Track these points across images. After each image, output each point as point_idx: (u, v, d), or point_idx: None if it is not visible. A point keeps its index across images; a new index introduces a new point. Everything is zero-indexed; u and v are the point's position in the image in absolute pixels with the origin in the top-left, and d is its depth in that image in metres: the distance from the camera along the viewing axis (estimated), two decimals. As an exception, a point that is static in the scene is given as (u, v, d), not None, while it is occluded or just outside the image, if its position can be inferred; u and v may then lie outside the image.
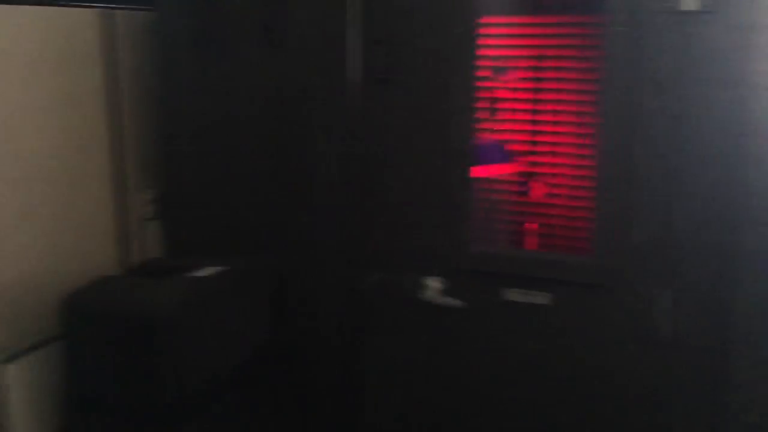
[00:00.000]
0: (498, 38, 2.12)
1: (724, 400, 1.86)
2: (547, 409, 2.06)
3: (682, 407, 1.91)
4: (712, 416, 1.89)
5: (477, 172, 2.08)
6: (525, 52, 2.15)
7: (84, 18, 2.14)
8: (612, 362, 1.96)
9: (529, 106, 2.16)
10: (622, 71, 1.82)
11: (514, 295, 2.04)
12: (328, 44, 2.06)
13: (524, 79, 2.15)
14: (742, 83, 1.74)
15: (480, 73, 2.03)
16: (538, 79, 2.13)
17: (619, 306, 1.93)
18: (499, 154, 2.19)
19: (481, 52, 2.00)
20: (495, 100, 2.15)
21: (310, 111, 2.11)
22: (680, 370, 1.90)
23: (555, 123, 2.12)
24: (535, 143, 2.16)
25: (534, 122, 2.16)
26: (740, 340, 1.83)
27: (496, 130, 2.18)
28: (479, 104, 2.03)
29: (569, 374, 2.01)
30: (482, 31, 2.00)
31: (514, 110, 2.16)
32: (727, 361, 1.85)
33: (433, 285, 2.09)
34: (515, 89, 2.15)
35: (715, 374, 1.87)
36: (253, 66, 2.16)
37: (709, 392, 1.88)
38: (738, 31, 1.72)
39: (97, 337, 1.84)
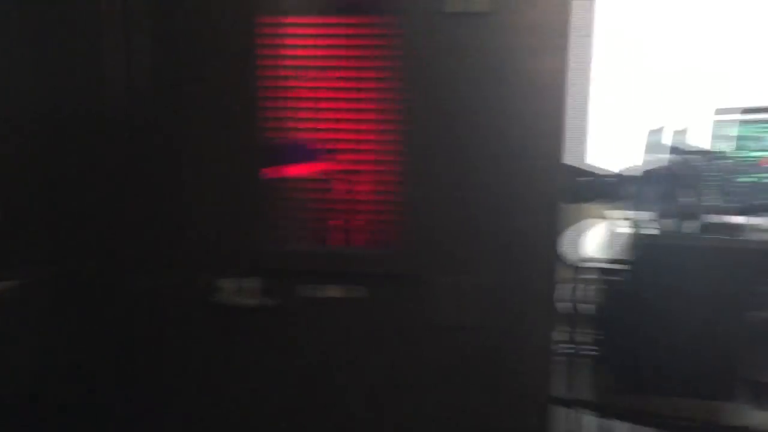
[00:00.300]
0: (300, 38, 2.13)
1: (517, 379, 2.03)
2: (357, 398, 2.12)
3: (477, 386, 2.05)
4: (503, 395, 2.04)
5: (280, 171, 2.08)
6: (327, 52, 2.17)
7: None
8: (414, 348, 2.06)
9: (331, 105, 2.19)
10: (414, 71, 1.93)
11: (316, 291, 2.08)
12: (105, 44, 1.99)
13: (327, 78, 2.18)
14: (518, 81, 1.90)
15: (281, 73, 2.03)
16: (341, 79, 2.18)
17: (420, 295, 2.03)
18: (303, 152, 2.21)
19: (283, 51, 2.01)
20: (298, 99, 2.16)
21: (91, 112, 2.03)
22: (476, 352, 2.03)
23: (357, 121, 2.17)
24: (337, 141, 2.20)
25: (337, 120, 2.20)
26: (522, 322, 1.99)
27: (300, 129, 2.19)
28: (278, 104, 2.05)
29: (372, 363, 2.09)
30: (284, 30, 2.01)
31: (317, 109, 2.19)
32: (517, 343, 2.00)
33: (233, 286, 2.07)
34: (318, 88, 2.17)
35: (506, 355, 2.02)
36: (30, 66, 2.03)
37: (501, 372, 2.03)
38: (514, 31, 1.88)
39: None
